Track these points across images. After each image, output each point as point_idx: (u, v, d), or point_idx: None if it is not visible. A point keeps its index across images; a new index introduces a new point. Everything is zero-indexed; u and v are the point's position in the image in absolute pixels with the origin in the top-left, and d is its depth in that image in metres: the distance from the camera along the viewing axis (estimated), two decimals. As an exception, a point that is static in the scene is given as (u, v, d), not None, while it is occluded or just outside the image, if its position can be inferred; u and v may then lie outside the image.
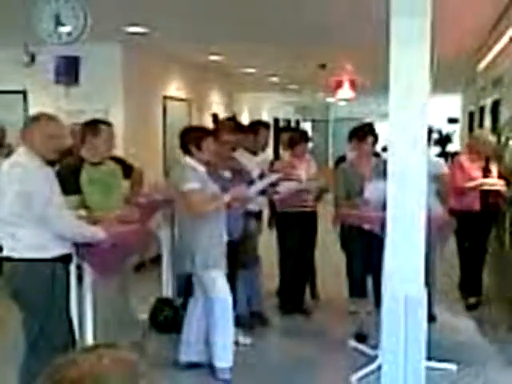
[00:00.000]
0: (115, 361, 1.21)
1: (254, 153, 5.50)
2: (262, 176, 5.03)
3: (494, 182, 5.72)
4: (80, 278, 3.97)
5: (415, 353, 3.49)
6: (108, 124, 4.34)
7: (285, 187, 5.31)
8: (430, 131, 5.61)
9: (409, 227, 3.47)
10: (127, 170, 4.69)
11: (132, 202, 4.57)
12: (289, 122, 22.06)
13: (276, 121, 19.23)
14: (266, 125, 5.81)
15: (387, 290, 3.53)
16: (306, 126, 23.54)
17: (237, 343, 4.59)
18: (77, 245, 3.62)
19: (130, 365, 1.24)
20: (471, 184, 5.67)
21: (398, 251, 3.48)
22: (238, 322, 4.71)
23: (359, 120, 16.93)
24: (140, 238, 4.17)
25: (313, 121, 25.12)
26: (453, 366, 4.41)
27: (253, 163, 5.26)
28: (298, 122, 23.46)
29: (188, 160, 4.27)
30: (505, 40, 6.37)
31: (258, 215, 5.42)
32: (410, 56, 3.32)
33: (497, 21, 6.40)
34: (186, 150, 4.28)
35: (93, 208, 4.05)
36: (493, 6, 5.83)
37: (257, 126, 5.70)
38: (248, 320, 5.25)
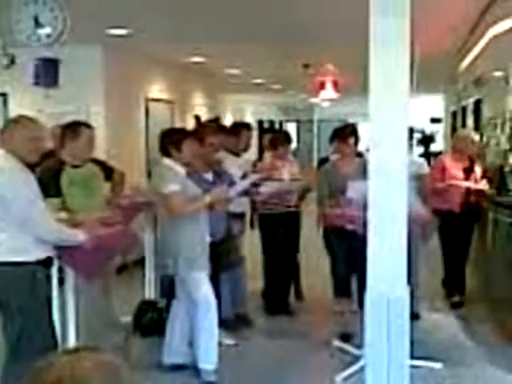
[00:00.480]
0: (97, 364, 1.21)
1: (237, 154, 5.49)
2: (244, 177, 5.03)
3: (460, 184, 5.73)
4: (62, 281, 3.94)
5: (399, 352, 3.50)
6: (88, 126, 4.31)
7: (267, 188, 5.31)
8: (411, 131, 5.64)
9: (391, 226, 3.48)
10: (108, 172, 4.66)
11: (114, 204, 4.54)
12: (272, 123, 22.09)
13: (260, 122, 19.27)
14: (247, 126, 5.81)
15: (370, 289, 3.53)
16: (291, 127, 23.58)
17: (221, 345, 4.57)
18: (58, 248, 3.59)
19: (112, 368, 1.23)
20: (441, 185, 5.70)
21: (380, 250, 3.49)
22: (222, 324, 4.70)
23: (343, 120, 17.00)
24: (122, 240, 4.14)
25: (297, 122, 25.18)
26: (437, 365, 4.43)
27: (235, 165, 5.25)
28: (281, 123, 23.50)
29: (167, 162, 4.25)
30: (485, 40, 6.43)
31: (240, 216, 5.41)
32: (389, 55, 3.33)
33: (477, 21, 6.44)
34: (166, 152, 4.27)
35: (74, 210, 4.02)
36: (473, 6, 5.87)
37: (239, 127, 5.71)
38: (232, 321, 5.24)
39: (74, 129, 4.22)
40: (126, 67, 7.94)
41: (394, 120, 3.39)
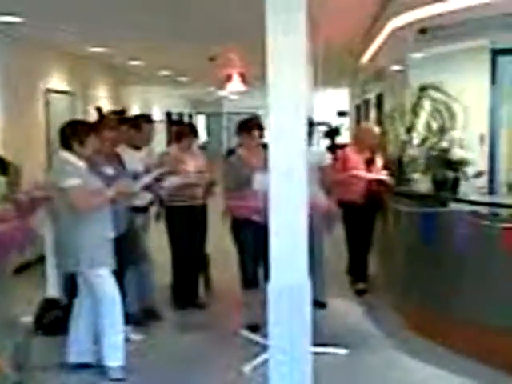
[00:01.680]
0: None
1: (138, 147, 5.36)
2: (147, 171, 4.93)
3: (361, 174, 5.91)
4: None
5: (301, 339, 3.55)
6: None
7: (170, 182, 5.24)
8: (312, 124, 5.74)
9: (291, 217, 3.52)
10: (3, 165, 4.45)
11: (9, 200, 4.34)
12: (182, 115, 21.89)
13: (169, 114, 19.04)
14: (148, 119, 5.67)
15: (272, 279, 3.57)
16: (200, 120, 23.49)
17: (128, 341, 4.50)
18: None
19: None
20: (342, 175, 5.86)
21: (281, 241, 3.53)
22: (129, 319, 4.63)
23: (252, 113, 17.08)
24: (18, 236, 3.97)
25: (207, 114, 25.15)
26: (342, 351, 4.55)
27: (136, 158, 5.13)
28: (190, 116, 23.36)
29: (67, 155, 4.12)
30: (385, 33, 6.62)
31: (143, 210, 5.32)
32: (286, 48, 3.35)
33: (378, 14, 6.62)
34: (67, 145, 4.13)
35: (-35, 207, 3.82)
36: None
37: (139, 119, 5.56)
38: (139, 316, 5.17)
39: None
40: (23, 57, 7.63)
41: (292, 112, 3.42)
